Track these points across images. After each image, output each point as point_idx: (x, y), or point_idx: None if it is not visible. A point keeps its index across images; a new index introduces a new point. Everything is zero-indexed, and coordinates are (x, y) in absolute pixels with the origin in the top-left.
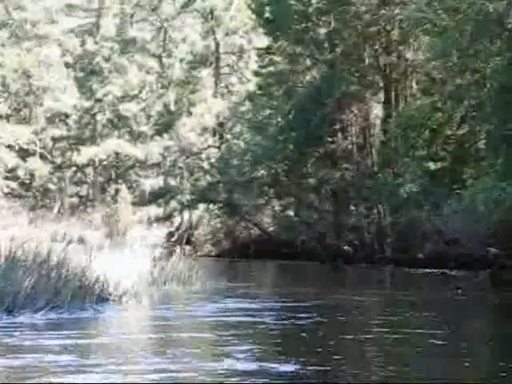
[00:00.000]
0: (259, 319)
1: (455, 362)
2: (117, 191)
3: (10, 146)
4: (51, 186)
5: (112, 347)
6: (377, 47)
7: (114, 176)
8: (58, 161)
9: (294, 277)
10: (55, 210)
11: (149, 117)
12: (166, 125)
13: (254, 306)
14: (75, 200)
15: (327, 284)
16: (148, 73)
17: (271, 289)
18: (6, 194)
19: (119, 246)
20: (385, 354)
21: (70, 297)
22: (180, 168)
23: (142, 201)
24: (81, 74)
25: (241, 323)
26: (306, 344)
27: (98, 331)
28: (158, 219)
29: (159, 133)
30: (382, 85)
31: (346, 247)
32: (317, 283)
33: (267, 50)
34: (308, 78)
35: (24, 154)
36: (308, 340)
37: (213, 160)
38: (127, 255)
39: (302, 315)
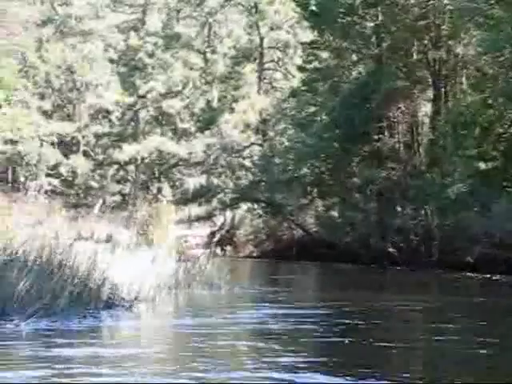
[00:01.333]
0: (293, 326)
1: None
2: (159, 189)
3: (52, 143)
4: (93, 184)
5: (92, 361)
6: (425, 42)
7: (156, 174)
8: (100, 158)
9: (337, 280)
10: (96, 208)
11: (192, 114)
12: (208, 122)
13: (287, 311)
14: (117, 198)
15: (372, 288)
16: (191, 69)
17: (311, 293)
18: (47, 192)
19: (149, 245)
20: (431, 363)
21: (68, 302)
22: (222, 166)
23: (183, 199)
24: (124, 70)
25: (269, 331)
26: (349, 353)
27: (83, 343)
28: (199, 218)
29: (201, 130)
30: (430, 81)
31: (391, 249)
32: (361, 287)
33: (312, 45)
34: (354, 73)
35: (67, 151)
36: (351, 348)
37: (255, 158)
38: (151, 256)
39: (345, 321)
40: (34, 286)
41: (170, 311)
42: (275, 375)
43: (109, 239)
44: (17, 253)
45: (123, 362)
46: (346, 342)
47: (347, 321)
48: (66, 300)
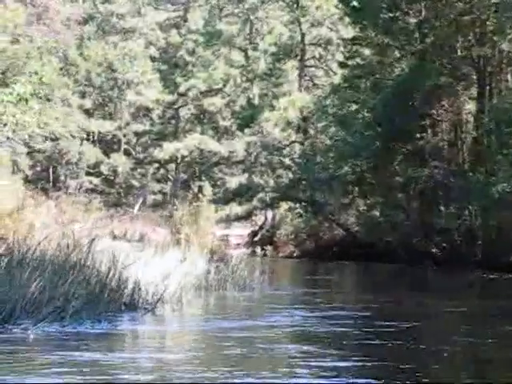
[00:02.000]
0: (331, 329)
1: None
2: (200, 188)
3: (93, 142)
4: (134, 183)
5: (95, 368)
6: (470, 37)
7: (197, 173)
8: (141, 157)
9: (377, 280)
10: (136, 207)
11: (233, 112)
12: (248, 119)
13: (324, 313)
14: (158, 197)
15: (413, 289)
16: (232, 66)
17: (350, 294)
18: (87, 190)
19: (182, 245)
20: (471, 368)
21: (82, 305)
22: (262, 165)
23: (223, 199)
24: (164, 68)
25: (305, 334)
26: (390, 356)
27: (87, 349)
28: (239, 218)
29: (241, 128)
30: (474, 78)
31: (433, 249)
32: (402, 288)
33: (354, 41)
34: (396, 70)
35: (108, 149)
36: (393, 351)
37: (296, 156)
38: (181, 256)
39: (385, 323)
40: (46, 287)
41: (196, 313)
42: (316, 381)
43: (141, 238)
44: (34, 252)
45: (126, 368)
46: (389, 345)
47: (388, 323)
48: (81, 302)
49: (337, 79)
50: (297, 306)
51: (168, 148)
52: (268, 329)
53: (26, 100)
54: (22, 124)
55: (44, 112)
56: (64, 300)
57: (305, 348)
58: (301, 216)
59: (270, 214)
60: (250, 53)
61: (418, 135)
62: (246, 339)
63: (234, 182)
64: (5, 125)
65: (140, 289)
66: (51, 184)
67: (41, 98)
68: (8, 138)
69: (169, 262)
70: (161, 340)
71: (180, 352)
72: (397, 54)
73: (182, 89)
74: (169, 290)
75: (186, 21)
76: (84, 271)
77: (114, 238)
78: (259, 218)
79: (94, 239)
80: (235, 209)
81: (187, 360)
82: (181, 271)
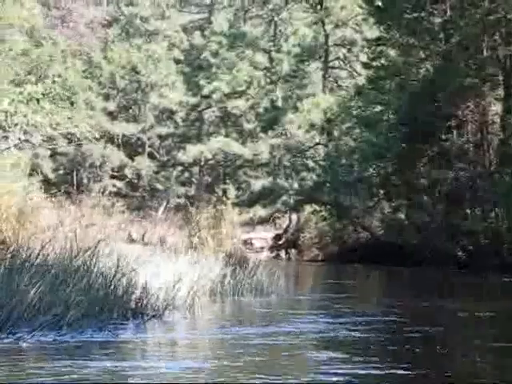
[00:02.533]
0: (354, 334)
1: None
2: (224, 192)
3: (118, 145)
4: (158, 186)
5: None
6: (496, 37)
7: (222, 176)
8: (164, 159)
9: (403, 284)
10: (160, 210)
11: (257, 114)
12: (271, 121)
13: (346, 319)
14: (182, 201)
15: (440, 293)
16: (256, 68)
17: (374, 298)
18: (111, 194)
19: (200, 249)
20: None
21: (84, 312)
22: (286, 167)
23: (247, 202)
24: (188, 70)
25: (326, 340)
26: (417, 362)
27: (82, 359)
28: (263, 221)
29: (264, 130)
30: (501, 78)
31: (459, 252)
32: (428, 292)
33: (378, 42)
34: (421, 70)
35: (132, 152)
36: (420, 359)
37: (320, 158)
38: (195, 259)
39: (411, 328)
40: (46, 293)
41: (209, 320)
42: None
43: (159, 242)
44: (36, 256)
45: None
46: (417, 350)
47: (415, 328)
48: (82, 309)
49: (361, 80)
50: (317, 312)
51: (191, 151)
52: (287, 335)
53: (38, 100)
54: (33, 124)
55: (56, 112)
56: (64, 307)
57: (331, 355)
58: (325, 219)
59: (294, 217)
60: (273, 54)
61: (444, 136)
62: (264, 346)
63: (258, 184)
64: (15, 125)
65: (148, 294)
66: (75, 187)
67: (53, 97)
68: (25, 140)
69: (182, 265)
70: (164, 349)
71: (189, 360)
72: (422, 54)
73: (205, 91)
74: (180, 295)
75: (210, 23)
76: (88, 276)
77: (132, 241)
78: (284, 222)
79: (99, 242)
80: (259, 212)
81: (197, 370)
82: (194, 275)
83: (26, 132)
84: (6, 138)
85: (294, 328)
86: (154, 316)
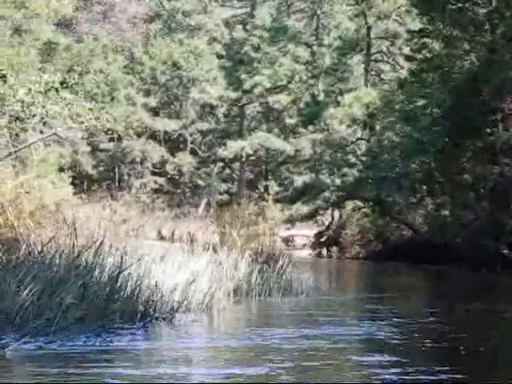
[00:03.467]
0: (394, 337)
1: None
2: (266, 188)
3: (159, 141)
4: (200, 182)
5: None
6: None
7: (264, 172)
8: (206, 156)
9: (446, 284)
10: (201, 207)
11: (299, 109)
12: (312, 116)
13: (387, 322)
14: (225, 197)
15: (485, 294)
16: (297, 62)
17: (416, 300)
18: (152, 190)
19: (229, 246)
20: None
21: (79, 317)
22: (327, 162)
23: (287, 198)
24: (229, 64)
25: (365, 343)
26: (466, 367)
27: (63, 371)
28: (304, 218)
29: (305, 125)
30: None
31: (505, 251)
32: (474, 293)
33: (421, 33)
34: (465, 63)
35: (174, 148)
36: (468, 365)
37: (362, 154)
38: (218, 258)
39: (456, 330)
40: (41, 295)
41: (225, 323)
42: None
43: (189, 239)
44: (38, 254)
45: None
46: (463, 356)
47: (460, 332)
48: (79, 313)
49: (403, 74)
50: (354, 314)
51: (232, 146)
52: (320, 339)
53: (57, 90)
54: (52, 116)
55: (76, 102)
56: (59, 310)
57: (377, 358)
58: (367, 216)
59: (336, 213)
60: (315, 48)
61: (489, 130)
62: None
63: (299, 181)
64: (34, 116)
65: (158, 295)
66: (117, 183)
67: (72, 86)
68: (54, 133)
69: (202, 264)
70: (155, 357)
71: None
72: (466, 46)
73: (246, 86)
74: (197, 296)
75: (252, 17)
76: (89, 276)
77: (161, 238)
78: (326, 218)
79: (103, 240)
80: (301, 209)
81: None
82: (214, 274)
83: (44, 123)
84: (26, 130)
85: (326, 331)
86: (164, 319)
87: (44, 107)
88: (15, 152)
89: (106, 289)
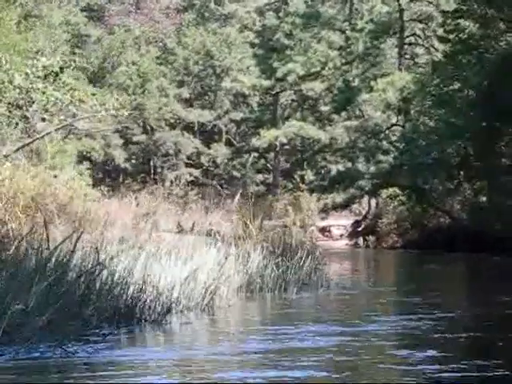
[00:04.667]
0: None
1: None
2: (302, 178)
3: (193, 132)
4: (235, 174)
5: None
6: None
7: (299, 161)
8: (240, 146)
9: (488, 275)
10: (236, 198)
11: (332, 96)
12: (345, 102)
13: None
14: (261, 188)
15: None
16: (330, 48)
17: (451, 293)
18: (186, 182)
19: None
20: None
21: (47, 322)
22: (362, 150)
23: (321, 187)
24: (261, 52)
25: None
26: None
27: None
28: (340, 207)
29: (337, 111)
30: None
31: None
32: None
33: (455, 14)
34: (502, 43)
35: (209, 140)
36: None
37: (397, 140)
38: (225, 251)
39: (496, 326)
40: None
41: (225, 324)
42: None
43: (210, 231)
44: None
45: None
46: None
47: (504, 326)
48: (39, 319)
49: (438, 56)
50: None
51: (266, 136)
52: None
53: (57, 74)
54: (53, 102)
55: (79, 88)
56: (21, 314)
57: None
58: (403, 204)
59: (373, 202)
60: (348, 33)
61: None
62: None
63: (335, 169)
64: (33, 102)
65: (152, 294)
66: (152, 177)
67: (74, 69)
68: (69, 124)
69: (209, 257)
70: (126, 370)
71: None
72: (501, 26)
73: (279, 74)
74: (196, 294)
75: (286, 4)
76: (60, 274)
77: (181, 231)
78: (363, 208)
79: (81, 233)
80: (337, 198)
81: None
82: (222, 269)
83: (46, 111)
84: (27, 118)
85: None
86: (153, 321)
87: (44, 93)
88: (26, 145)
89: (80, 289)
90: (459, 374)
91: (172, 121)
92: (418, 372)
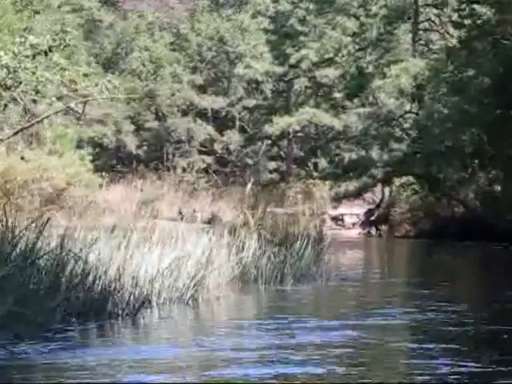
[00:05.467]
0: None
1: None
2: (315, 165)
3: (207, 119)
4: (248, 161)
5: None
6: None
7: (312, 149)
8: (253, 133)
9: (501, 267)
10: (248, 186)
11: (346, 82)
12: (357, 88)
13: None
14: (275, 176)
15: None
16: (344, 34)
17: (462, 286)
18: (201, 170)
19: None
20: None
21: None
22: (375, 137)
23: (333, 175)
24: (274, 38)
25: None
26: None
27: None
28: (348, 195)
29: (350, 98)
30: None
31: None
32: None
33: None
34: None
35: (222, 126)
36: None
37: (410, 127)
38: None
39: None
40: None
41: (207, 319)
42: None
43: (212, 219)
44: None
45: None
46: None
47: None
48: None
49: (452, 42)
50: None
51: (278, 122)
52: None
53: (46, 53)
54: (42, 82)
55: (69, 67)
56: None
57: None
58: (416, 192)
59: (387, 191)
60: (362, 19)
61: None
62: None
63: (347, 157)
64: (20, 83)
65: (128, 286)
66: (165, 164)
67: (65, 47)
68: (68, 107)
69: (199, 246)
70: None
71: None
72: None
73: (292, 60)
74: (179, 285)
75: None
76: (31, 262)
77: (182, 218)
78: (377, 196)
79: (48, 219)
80: (349, 186)
81: None
82: (211, 258)
83: (37, 92)
84: (15, 99)
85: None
86: (126, 315)
87: (34, 73)
88: (23, 129)
89: (46, 279)
90: (469, 370)
91: (184, 107)
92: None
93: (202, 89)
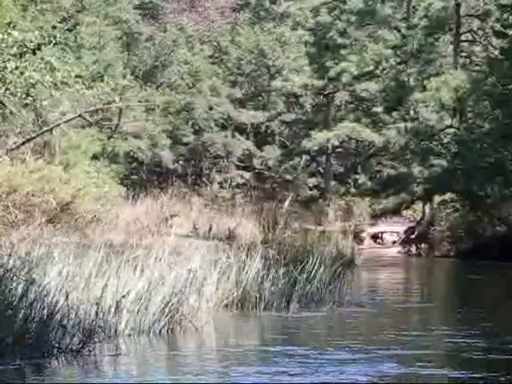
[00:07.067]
0: None
1: None
2: (355, 182)
3: (247, 134)
4: (287, 177)
5: None
6: None
7: (352, 165)
8: (291, 148)
9: None
10: (287, 202)
11: (385, 95)
12: (396, 101)
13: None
14: (314, 192)
15: None
16: (384, 47)
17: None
18: (239, 185)
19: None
20: None
21: None
22: (414, 152)
23: (374, 192)
24: (313, 50)
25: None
26: None
27: None
28: (385, 213)
29: (388, 111)
30: None
31: None
32: None
33: None
34: None
35: (261, 141)
36: None
37: (451, 142)
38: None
39: None
40: None
41: (179, 356)
42: None
43: (228, 236)
44: None
45: None
46: None
47: None
48: None
49: (495, 54)
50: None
51: (316, 138)
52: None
53: (34, 51)
54: (30, 83)
55: (60, 67)
56: None
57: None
58: (457, 210)
59: (427, 208)
60: (403, 31)
61: None
62: None
63: (388, 173)
64: (4, 82)
65: (83, 315)
66: (202, 179)
67: (55, 45)
68: (79, 115)
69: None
70: None
71: None
72: None
73: (332, 73)
74: (152, 311)
75: (344, 3)
76: None
77: (197, 234)
78: (418, 214)
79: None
80: (388, 203)
81: None
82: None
83: (28, 95)
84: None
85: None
86: (71, 351)
87: (22, 74)
88: (30, 139)
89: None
90: None
91: (222, 121)
92: None
93: (240, 103)
